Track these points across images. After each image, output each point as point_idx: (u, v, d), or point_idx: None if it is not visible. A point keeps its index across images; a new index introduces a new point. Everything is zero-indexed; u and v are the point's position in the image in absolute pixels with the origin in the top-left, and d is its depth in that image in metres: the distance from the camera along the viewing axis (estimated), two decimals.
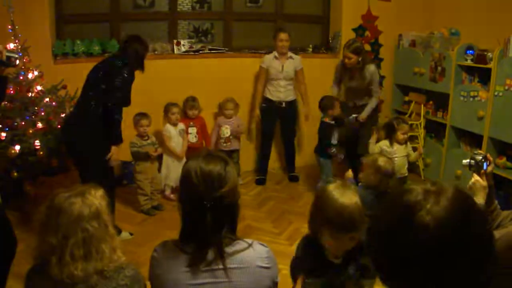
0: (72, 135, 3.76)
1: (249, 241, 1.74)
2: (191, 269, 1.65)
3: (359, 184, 3.38)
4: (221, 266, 1.65)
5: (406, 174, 4.58)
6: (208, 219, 1.63)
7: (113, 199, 3.91)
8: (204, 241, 1.65)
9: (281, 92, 5.44)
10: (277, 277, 1.79)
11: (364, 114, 4.99)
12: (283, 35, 5.31)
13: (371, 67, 4.96)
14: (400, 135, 4.43)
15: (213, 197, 1.64)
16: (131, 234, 4.19)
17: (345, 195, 1.93)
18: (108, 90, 3.67)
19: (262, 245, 1.77)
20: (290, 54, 5.44)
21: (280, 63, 5.37)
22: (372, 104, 5.03)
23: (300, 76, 5.52)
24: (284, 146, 5.89)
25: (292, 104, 5.56)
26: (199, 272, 1.65)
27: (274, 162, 6.10)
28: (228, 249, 1.67)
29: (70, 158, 4.07)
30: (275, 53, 5.40)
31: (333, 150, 4.99)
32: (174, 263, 1.69)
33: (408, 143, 4.60)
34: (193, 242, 1.68)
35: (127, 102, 3.84)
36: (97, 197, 1.75)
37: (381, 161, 3.26)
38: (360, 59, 4.87)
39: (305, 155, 6.20)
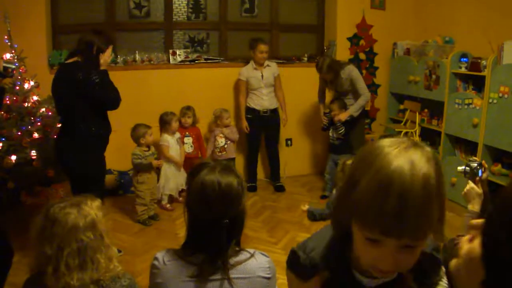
0: (68, 160, 3.60)
1: (251, 251, 1.75)
2: (195, 279, 1.65)
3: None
4: (225, 277, 1.65)
5: None
6: (223, 236, 1.65)
7: None
8: (215, 254, 1.66)
9: (264, 100, 5.47)
10: (276, 287, 1.80)
11: (343, 115, 5.18)
12: (263, 47, 5.34)
13: (346, 69, 5.17)
14: None
15: (230, 215, 1.66)
16: (119, 251, 3.92)
17: (405, 155, 0.95)
18: (93, 105, 3.52)
19: (264, 255, 1.77)
20: (266, 62, 5.49)
21: (259, 72, 5.42)
22: (360, 102, 5.19)
23: (277, 82, 5.57)
24: (268, 155, 5.87)
25: (275, 112, 5.60)
26: (202, 282, 1.65)
27: (260, 173, 6.07)
28: (232, 260, 1.68)
29: (65, 174, 3.97)
30: (252, 64, 5.43)
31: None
32: (177, 273, 1.68)
33: None
34: (201, 254, 1.67)
35: (118, 97, 3.64)
36: (93, 208, 1.75)
37: (349, 162, 3.25)
38: (335, 73, 5.15)
39: (300, 164, 6.22)
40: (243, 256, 1.71)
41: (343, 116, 5.14)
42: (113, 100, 3.59)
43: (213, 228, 1.64)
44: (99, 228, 1.72)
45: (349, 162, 3.26)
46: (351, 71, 5.17)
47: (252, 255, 1.73)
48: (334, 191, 3.46)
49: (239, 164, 5.86)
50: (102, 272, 1.69)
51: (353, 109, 5.16)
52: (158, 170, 4.90)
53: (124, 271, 1.79)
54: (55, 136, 3.84)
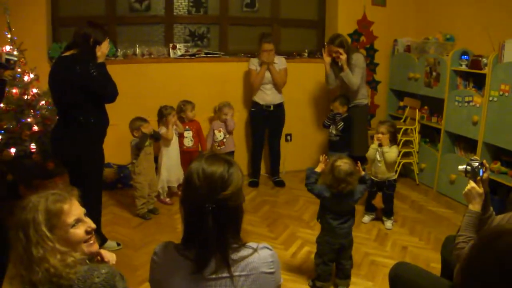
0: (65, 152, 3.57)
1: (254, 245, 1.70)
2: (194, 276, 1.61)
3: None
4: (226, 274, 1.61)
5: (395, 177, 4.59)
6: (209, 223, 1.59)
7: (99, 205, 3.82)
8: (206, 247, 1.61)
9: (268, 95, 5.46)
10: (281, 279, 1.76)
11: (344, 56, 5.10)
12: (266, 45, 5.27)
13: (354, 55, 5.17)
14: (375, 136, 4.49)
15: (215, 200, 1.60)
16: (118, 244, 4.00)
17: None
18: (91, 98, 3.47)
19: (268, 248, 1.73)
20: (275, 59, 5.41)
21: (264, 69, 5.37)
22: (350, 77, 5.12)
23: (282, 74, 5.48)
24: (269, 150, 5.87)
25: (279, 107, 5.58)
26: (203, 279, 1.61)
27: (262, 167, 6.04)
28: (233, 256, 1.64)
29: (63, 166, 3.91)
30: (259, 61, 5.38)
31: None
32: (176, 269, 1.65)
33: (394, 146, 4.54)
34: (195, 248, 1.63)
35: (115, 90, 3.61)
36: (41, 207, 1.65)
37: (338, 163, 3.24)
38: (346, 50, 5.09)
39: (299, 160, 6.21)
40: (245, 251, 1.67)
41: (344, 56, 5.06)
42: (110, 93, 3.56)
43: (198, 214, 1.61)
44: (36, 227, 1.62)
45: (338, 163, 3.23)
46: (358, 58, 5.15)
47: (255, 250, 1.68)
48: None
49: (241, 158, 5.85)
50: (54, 272, 1.57)
51: (347, 72, 5.11)
52: (156, 163, 4.90)
53: (102, 263, 1.71)
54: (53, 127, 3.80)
